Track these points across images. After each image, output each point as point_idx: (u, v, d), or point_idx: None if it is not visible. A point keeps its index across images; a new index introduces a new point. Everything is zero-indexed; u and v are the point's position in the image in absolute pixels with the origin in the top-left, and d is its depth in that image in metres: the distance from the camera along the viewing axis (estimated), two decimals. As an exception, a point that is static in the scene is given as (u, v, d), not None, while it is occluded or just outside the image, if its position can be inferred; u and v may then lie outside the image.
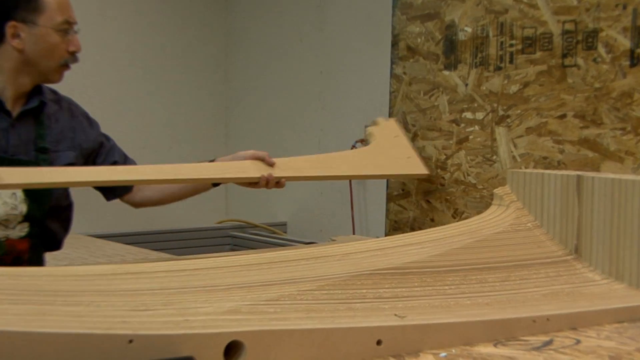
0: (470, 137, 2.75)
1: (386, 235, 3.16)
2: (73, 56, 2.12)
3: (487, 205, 2.04)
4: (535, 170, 1.92)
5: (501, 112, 2.66)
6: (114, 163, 2.25)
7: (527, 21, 2.57)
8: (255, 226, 4.30)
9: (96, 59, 3.91)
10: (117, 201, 2.34)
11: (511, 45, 2.62)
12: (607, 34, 2.34)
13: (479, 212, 2.07)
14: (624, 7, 2.30)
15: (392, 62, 3.09)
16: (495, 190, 1.99)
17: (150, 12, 4.40)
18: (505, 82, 2.64)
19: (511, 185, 1.93)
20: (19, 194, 2.03)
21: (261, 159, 2.21)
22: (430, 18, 2.93)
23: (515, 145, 2.61)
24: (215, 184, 2.29)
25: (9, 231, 2.03)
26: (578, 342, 1.28)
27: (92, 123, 2.26)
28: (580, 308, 1.41)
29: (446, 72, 2.86)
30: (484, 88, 2.72)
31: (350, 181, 3.79)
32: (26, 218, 2.05)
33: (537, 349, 1.24)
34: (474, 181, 2.74)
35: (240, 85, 4.68)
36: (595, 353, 1.22)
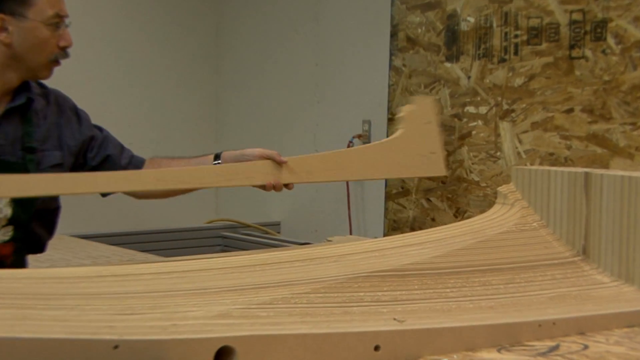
0: (473, 132, 2.76)
1: (385, 235, 3.16)
2: (63, 52, 2.09)
3: (491, 204, 2.05)
4: (541, 167, 1.92)
5: (505, 106, 2.67)
6: (107, 157, 2.23)
7: (533, 11, 2.58)
8: (247, 226, 4.30)
9: (80, 50, 3.89)
10: (101, 199, 2.33)
11: (516, 36, 2.62)
12: (616, 24, 2.35)
13: (482, 211, 2.07)
14: (635, -4, 2.31)
15: (391, 54, 3.09)
16: (499, 188, 1.99)
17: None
18: (510, 74, 2.64)
19: (516, 183, 1.93)
20: None
21: (270, 158, 2.13)
22: (431, 7, 2.93)
23: (520, 141, 2.62)
24: (216, 163, 2.24)
25: None
26: (586, 347, 1.28)
27: (80, 118, 2.23)
28: (588, 312, 1.41)
29: (448, 64, 2.86)
30: (488, 81, 2.72)
31: (347, 178, 3.79)
32: (10, 221, 2.04)
33: (543, 354, 1.24)
34: (477, 179, 2.75)
35: (231, 78, 4.68)
36: (604, 359, 1.22)
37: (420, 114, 2.32)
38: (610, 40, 2.36)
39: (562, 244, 1.77)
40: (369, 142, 3.79)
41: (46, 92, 2.19)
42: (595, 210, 1.72)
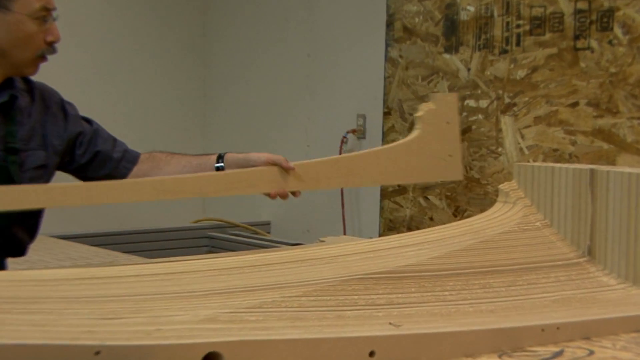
0: (473, 127, 2.76)
1: (380, 235, 3.16)
2: (51, 47, 2.05)
3: (492, 203, 2.05)
4: (545, 164, 1.93)
5: (507, 100, 2.67)
6: (97, 153, 2.20)
7: (536, -1, 2.58)
8: (235, 226, 4.30)
9: (64, 42, 3.87)
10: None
11: (518, 26, 2.63)
12: (624, 13, 2.35)
13: (482, 210, 2.07)
14: (643, -16, 2.32)
15: (387, 45, 3.09)
16: (500, 186, 2.00)
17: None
18: (512, 66, 2.65)
19: (518, 181, 1.94)
20: None
21: (277, 164, 2.05)
22: (429, -4, 2.94)
23: (522, 137, 2.63)
24: (219, 170, 2.19)
25: None
26: (591, 353, 1.28)
27: (67, 113, 2.19)
28: (593, 315, 1.42)
29: (446, 56, 2.87)
30: (488, 73, 2.73)
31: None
32: None
33: (546, 360, 1.25)
34: (477, 176, 2.75)
35: (219, 69, 4.68)
36: (610, 365, 1.23)
37: (441, 113, 2.26)
38: (618, 31, 2.37)
39: (566, 245, 1.78)
40: (364, 138, 3.80)
41: (31, 87, 2.14)
42: (601, 209, 1.72)
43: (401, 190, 3.02)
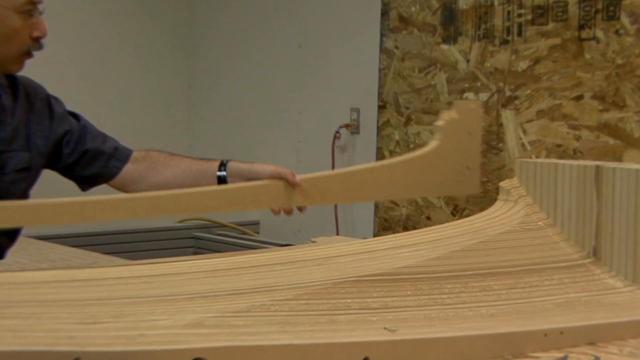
0: (473, 121, 2.77)
1: (375, 235, 3.17)
2: (37, 42, 2.03)
3: (492, 201, 2.05)
4: (548, 160, 1.93)
5: (508, 93, 2.68)
6: (85, 153, 2.17)
7: (539, -13, 2.59)
8: (222, 225, 4.30)
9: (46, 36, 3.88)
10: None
11: (520, 15, 2.63)
12: (631, 2, 2.36)
13: (482, 209, 2.08)
14: (651, -29, 2.32)
15: (382, 35, 3.10)
16: (501, 184, 2.00)
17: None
18: (513, 57, 2.65)
19: (520, 178, 1.94)
20: None
21: (283, 178, 2.03)
22: (426, -17, 2.94)
23: (524, 131, 2.63)
24: (220, 179, 2.17)
25: None
26: (597, 359, 1.29)
27: (53, 111, 2.16)
28: (599, 320, 1.42)
29: (444, 47, 2.87)
30: (488, 65, 2.73)
31: (333, 173, 3.79)
32: None
33: (549, 366, 1.25)
34: (476, 173, 2.76)
35: (205, 61, 4.67)
36: (616, 371, 1.23)
37: (463, 122, 2.21)
38: (625, 20, 2.37)
39: (570, 245, 1.78)
40: (358, 133, 3.80)
41: (14, 83, 2.12)
42: (607, 207, 1.73)
43: (397, 188, 3.02)
